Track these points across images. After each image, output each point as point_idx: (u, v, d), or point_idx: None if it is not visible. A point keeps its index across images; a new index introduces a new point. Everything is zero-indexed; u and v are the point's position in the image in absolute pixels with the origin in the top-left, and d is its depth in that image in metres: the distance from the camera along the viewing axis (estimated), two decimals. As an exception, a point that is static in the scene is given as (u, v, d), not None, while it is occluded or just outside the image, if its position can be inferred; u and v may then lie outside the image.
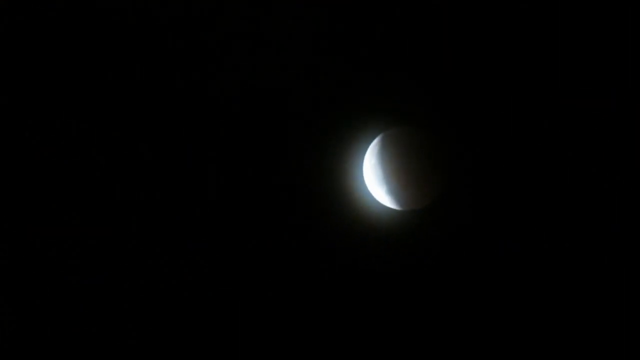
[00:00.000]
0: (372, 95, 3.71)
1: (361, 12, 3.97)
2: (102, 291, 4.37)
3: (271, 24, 4.10)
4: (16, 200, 4.31)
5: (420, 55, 3.78)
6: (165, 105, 4.27)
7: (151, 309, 4.34)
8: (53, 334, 4.31)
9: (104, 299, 4.36)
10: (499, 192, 3.70)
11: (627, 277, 4.05)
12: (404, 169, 3.43)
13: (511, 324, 4.00)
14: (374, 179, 3.49)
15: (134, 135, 4.31)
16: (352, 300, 3.91)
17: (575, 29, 4.00)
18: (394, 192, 3.49)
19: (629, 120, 4.00)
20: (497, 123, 3.69)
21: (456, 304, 3.90)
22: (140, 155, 4.32)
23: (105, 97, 4.32)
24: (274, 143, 3.87)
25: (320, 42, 3.93)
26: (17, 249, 4.33)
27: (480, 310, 3.95)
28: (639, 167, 4.04)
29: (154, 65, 4.32)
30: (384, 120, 3.58)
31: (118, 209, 4.35)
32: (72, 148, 4.31)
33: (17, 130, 4.30)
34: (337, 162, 3.63)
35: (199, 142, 4.26)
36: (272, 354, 4.24)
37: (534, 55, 3.88)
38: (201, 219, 4.28)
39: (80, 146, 4.31)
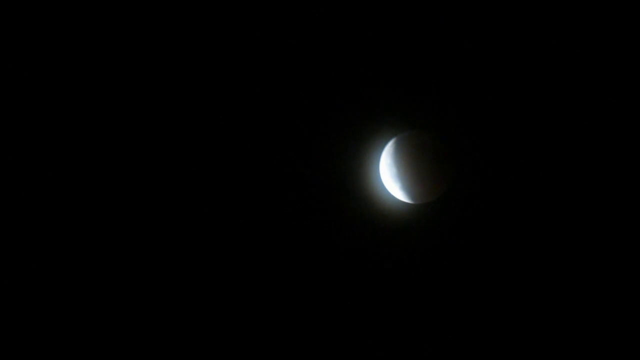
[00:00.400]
0: (387, 103, 3.87)
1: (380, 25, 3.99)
2: (113, 291, 4.25)
3: (301, 33, 4.07)
4: (16, 200, 4.20)
5: (430, 67, 3.89)
6: (191, 104, 4.22)
7: (173, 309, 4.26)
8: (53, 334, 4.21)
9: (113, 299, 4.25)
10: (501, 186, 3.84)
11: (627, 274, 4.04)
12: (415, 167, 3.68)
13: (516, 308, 3.99)
14: (390, 176, 3.73)
15: (156, 135, 4.22)
16: (372, 283, 4.02)
17: (575, 34, 3.98)
18: (407, 188, 3.73)
19: (629, 120, 3.96)
20: (497, 126, 3.83)
21: (462, 288, 3.97)
22: (160, 153, 4.23)
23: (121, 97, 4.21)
24: (302, 145, 3.99)
25: (348, 56, 3.97)
26: (17, 248, 4.20)
27: (484, 293, 3.97)
28: (638, 167, 3.98)
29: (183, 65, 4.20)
30: (397, 125, 3.77)
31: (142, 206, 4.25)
32: (72, 148, 4.21)
33: (17, 130, 4.19)
34: (357, 162, 3.86)
35: (234, 141, 4.16)
36: (296, 340, 4.21)
37: (532, 67, 3.93)
38: (232, 211, 4.19)
39: (80, 146, 4.21)
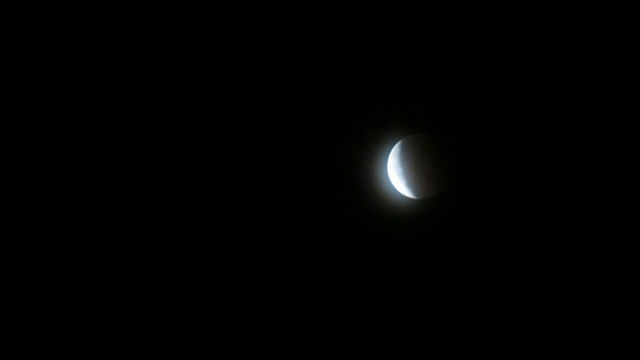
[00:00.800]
0: (393, 109, 4.03)
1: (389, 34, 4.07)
2: (116, 290, 4.13)
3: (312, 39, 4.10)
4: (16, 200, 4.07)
5: (431, 74, 4.02)
6: (200, 105, 4.15)
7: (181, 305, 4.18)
8: (53, 334, 4.08)
9: (116, 299, 4.13)
10: (494, 184, 4.00)
11: (622, 267, 4.01)
12: (418, 166, 3.92)
13: (518, 297, 4.07)
14: (396, 175, 3.96)
15: (163, 135, 4.13)
16: (379, 272, 4.13)
17: (570, 41, 4.01)
18: (411, 185, 3.96)
19: (628, 120, 3.98)
20: (493, 129, 3.98)
21: (462, 275, 4.06)
22: (171, 153, 4.15)
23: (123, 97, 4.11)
24: (320, 148, 4.11)
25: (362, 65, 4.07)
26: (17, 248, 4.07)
27: (483, 281, 4.07)
28: (638, 166, 3.99)
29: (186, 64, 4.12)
30: (403, 129, 3.97)
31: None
32: (72, 148, 4.09)
33: (17, 130, 4.05)
34: (367, 162, 4.05)
35: (250, 141, 4.17)
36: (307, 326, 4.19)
37: (528, 71, 4.02)
38: (249, 206, 4.17)
39: (81, 146, 4.09)
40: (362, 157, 4.11)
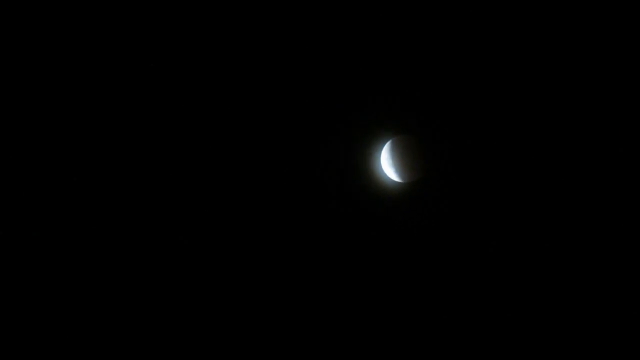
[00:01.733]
0: (387, 111, 4.21)
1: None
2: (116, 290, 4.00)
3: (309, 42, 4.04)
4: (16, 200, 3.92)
5: (420, 77, 4.11)
6: (198, 105, 4.02)
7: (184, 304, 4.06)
8: (53, 334, 3.94)
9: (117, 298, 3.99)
10: (464, 172, 4.23)
11: (626, 270, 4.01)
12: (404, 157, 4.30)
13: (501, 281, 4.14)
14: (387, 164, 4.33)
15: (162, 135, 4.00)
16: (374, 247, 4.22)
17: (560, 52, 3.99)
18: (399, 171, 4.34)
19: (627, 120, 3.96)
20: (466, 128, 4.16)
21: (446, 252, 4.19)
22: (168, 153, 4.00)
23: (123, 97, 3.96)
24: (322, 145, 4.22)
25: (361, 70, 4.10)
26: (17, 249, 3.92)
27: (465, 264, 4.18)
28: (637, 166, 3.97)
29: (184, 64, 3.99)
30: (394, 129, 4.27)
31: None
32: (72, 148, 3.96)
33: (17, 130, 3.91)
34: (365, 155, 4.36)
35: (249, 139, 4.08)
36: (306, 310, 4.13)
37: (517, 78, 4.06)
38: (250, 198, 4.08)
39: (81, 146, 3.97)
40: (361, 153, 4.27)
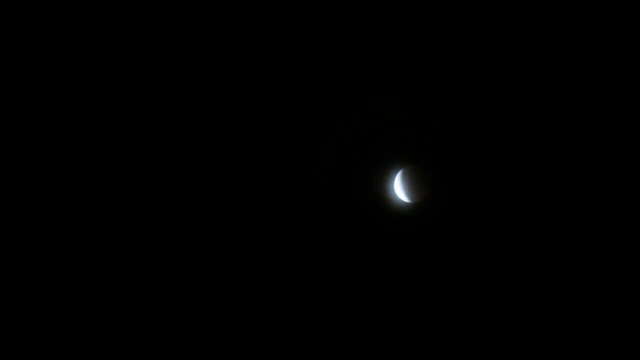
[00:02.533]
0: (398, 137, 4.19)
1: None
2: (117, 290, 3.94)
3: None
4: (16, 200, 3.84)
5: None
6: (205, 108, 3.96)
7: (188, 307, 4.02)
8: (52, 334, 3.88)
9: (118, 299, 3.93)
10: (471, 193, 4.22)
11: (625, 270, 3.99)
12: (414, 182, 4.46)
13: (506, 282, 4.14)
14: (400, 189, 4.48)
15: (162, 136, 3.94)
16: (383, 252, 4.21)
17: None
18: (410, 195, 4.46)
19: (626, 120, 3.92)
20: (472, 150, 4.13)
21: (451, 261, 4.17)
22: (170, 155, 3.94)
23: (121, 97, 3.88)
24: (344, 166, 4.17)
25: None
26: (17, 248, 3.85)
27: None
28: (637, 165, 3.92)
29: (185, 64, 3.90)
30: (404, 159, 4.33)
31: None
32: (71, 148, 3.89)
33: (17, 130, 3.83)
34: (382, 183, 4.46)
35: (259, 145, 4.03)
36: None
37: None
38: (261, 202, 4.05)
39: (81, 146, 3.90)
40: (379, 181, 4.35)
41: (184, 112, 3.94)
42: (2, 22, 3.76)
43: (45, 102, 3.88)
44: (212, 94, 3.93)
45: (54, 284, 3.89)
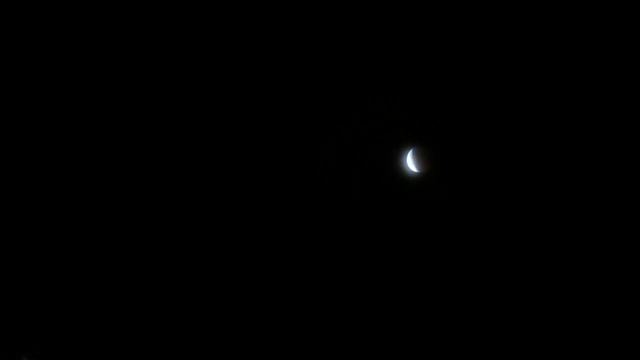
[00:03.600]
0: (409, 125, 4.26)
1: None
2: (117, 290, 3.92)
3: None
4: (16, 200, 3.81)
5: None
6: (213, 108, 3.95)
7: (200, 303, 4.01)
8: (53, 333, 3.89)
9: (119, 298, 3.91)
10: (469, 167, 4.34)
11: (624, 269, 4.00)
12: (422, 157, 4.67)
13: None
14: (411, 163, 4.70)
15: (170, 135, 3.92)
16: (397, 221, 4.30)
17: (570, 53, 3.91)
18: (419, 166, 4.71)
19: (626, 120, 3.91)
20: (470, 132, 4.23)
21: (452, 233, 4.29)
22: (179, 153, 3.91)
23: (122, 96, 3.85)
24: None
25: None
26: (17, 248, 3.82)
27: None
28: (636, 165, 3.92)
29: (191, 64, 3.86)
30: (417, 136, 4.38)
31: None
32: (72, 148, 3.88)
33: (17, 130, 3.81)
34: (399, 158, 4.55)
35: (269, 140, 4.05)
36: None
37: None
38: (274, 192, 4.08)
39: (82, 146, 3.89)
40: (395, 156, 4.44)
41: (184, 112, 3.96)
42: (2, 22, 3.75)
43: (46, 102, 3.93)
44: (212, 94, 3.97)
45: (54, 284, 3.95)
